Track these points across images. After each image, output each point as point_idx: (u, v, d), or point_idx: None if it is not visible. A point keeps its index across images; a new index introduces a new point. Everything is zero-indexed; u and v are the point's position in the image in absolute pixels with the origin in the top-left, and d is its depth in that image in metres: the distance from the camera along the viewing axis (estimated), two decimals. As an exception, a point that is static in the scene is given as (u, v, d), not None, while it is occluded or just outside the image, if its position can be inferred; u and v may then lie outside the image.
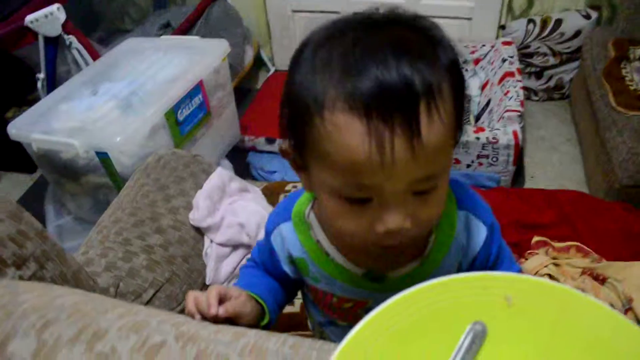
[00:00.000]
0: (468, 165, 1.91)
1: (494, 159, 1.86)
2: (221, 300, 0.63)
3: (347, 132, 0.46)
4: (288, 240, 0.70)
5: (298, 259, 0.70)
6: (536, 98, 2.35)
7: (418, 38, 0.50)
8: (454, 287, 0.46)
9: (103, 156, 1.39)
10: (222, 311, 0.62)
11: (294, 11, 2.59)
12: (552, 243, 1.24)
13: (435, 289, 0.45)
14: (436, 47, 0.50)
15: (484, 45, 2.30)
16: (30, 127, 1.44)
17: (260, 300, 0.70)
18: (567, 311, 0.44)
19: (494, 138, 1.81)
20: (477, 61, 2.33)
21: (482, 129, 1.84)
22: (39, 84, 1.92)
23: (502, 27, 2.26)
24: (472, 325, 0.43)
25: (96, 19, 2.73)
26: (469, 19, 2.34)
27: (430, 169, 0.49)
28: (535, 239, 1.26)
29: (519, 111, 1.85)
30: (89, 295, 0.58)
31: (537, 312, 0.44)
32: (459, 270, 0.68)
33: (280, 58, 2.76)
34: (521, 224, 1.34)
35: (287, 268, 0.73)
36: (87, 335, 0.48)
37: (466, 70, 2.36)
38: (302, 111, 0.50)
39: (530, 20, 2.15)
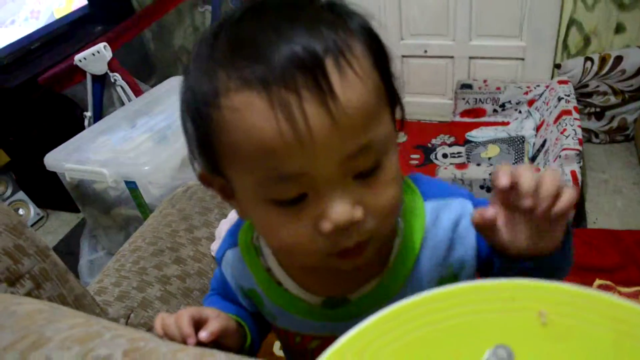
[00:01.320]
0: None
1: (551, 202, 1.70)
2: (197, 324, 0.53)
3: (247, 112, 0.39)
4: (237, 270, 0.60)
5: (250, 291, 0.60)
6: (597, 140, 2.19)
7: (317, 8, 0.43)
8: (468, 299, 0.35)
9: (132, 186, 1.36)
10: (205, 336, 0.52)
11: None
12: (618, 288, 1.08)
13: (441, 301, 0.34)
14: (341, 14, 0.43)
15: (538, 86, 2.18)
16: (65, 158, 1.44)
17: (238, 320, 0.60)
18: (627, 335, 0.32)
19: (549, 179, 1.66)
20: (531, 102, 2.21)
21: (537, 169, 1.70)
22: (86, 122, 1.95)
23: (558, 66, 2.15)
24: (494, 350, 0.32)
25: (150, 66, 2.82)
26: (522, 59, 2.24)
27: (361, 138, 0.41)
28: (598, 282, 1.11)
29: (577, 150, 1.71)
30: (53, 306, 0.51)
31: (582, 333, 0.33)
32: (455, 279, 0.54)
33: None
34: (581, 267, 1.19)
35: (243, 301, 0.62)
36: (24, 344, 0.40)
37: (519, 111, 2.25)
38: (198, 112, 0.43)
39: (588, 59, 2.03)
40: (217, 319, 0.54)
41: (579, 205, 1.80)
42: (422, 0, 2.26)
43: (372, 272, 0.53)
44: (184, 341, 0.51)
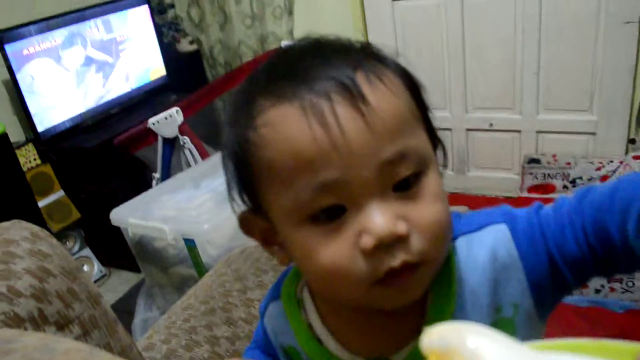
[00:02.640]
0: (597, 291, 1.63)
1: (629, 284, 1.57)
2: None
3: (281, 124, 0.40)
4: (278, 325, 0.57)
5: (290, 349, 0.56)
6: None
7: (347, 45, 0.46)
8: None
9: (190, 244, 1.37)
10: None
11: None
12: None
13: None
14: (372, 51, 0.45)
15: (611, 161, 2.08)
16: (129, 214, 1.48)
17: None
18: None
19: (627, 259, 1.54)
20: (604, 178, 2.10)
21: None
22: (154, 182, 2.02)
23: (632, 141, 2.05)
24: None
25: (219, 132, 2.91)
26: (593, 133, 2.16)
27: (397, 143, 0.40)
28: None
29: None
30: (92, 348, 0.49)
31: None
32: (510, 324, 0.47)
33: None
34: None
35: (283, 359, 0.59)
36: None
37: (592, 188, 2.13)
38: (237, 141, 0.44)
39: (666, 133, 1.93)
40: None
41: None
42: (488, 74, 2.26)
43: (412, 329, 0.48)
44: None
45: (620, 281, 1.59)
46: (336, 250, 0.41)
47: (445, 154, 0.49)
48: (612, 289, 1.60)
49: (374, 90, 0.40)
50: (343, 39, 0.46)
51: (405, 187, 0.41)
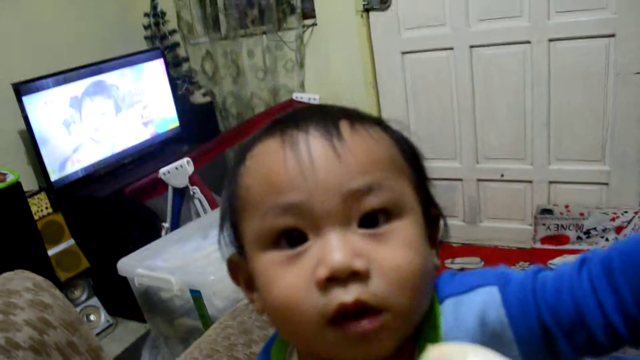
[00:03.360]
0: (616, 347, 1.57)
1: (650, 340, 1.51)
2: None
3: (262, 154, 0.44)
4: None
5: None
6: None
7: (351, 108, 0.48)
8: None
9: (196, 295, 1.35)
10: None
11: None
12: None
13: None
14: (369, 115, 0.48)
15: (626, 212, 2.05)
16: (136, 264, 1.48)
17: None
18: None
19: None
20: (619, 229, 2.06)
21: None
22: (163, 232, 2.02)
23: (647, 191, 2.02)
24: None
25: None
26: (606, 184, 2.14)
27: (366, 176, 0.41)
28: None
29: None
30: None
31: None
32: None
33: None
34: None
35: None
36: None
37: (607, 239, 2.09)
38: (230, 176, 0.47)
39: (682, 184, 1.90)
40: None
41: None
42: (498, 124, 2.27)
43: None
44: None
45: (641, 337, 1.53)
46: (292, 281, 0.40)
47: (445, 224, 0.49)
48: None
49: (353, 133, 0.43)
50: (352, 108, 0.48)
51: (372, 224, 0.41)
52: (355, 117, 0.45)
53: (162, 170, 1.93)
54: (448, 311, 0.45)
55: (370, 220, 0.41)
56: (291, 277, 0.40)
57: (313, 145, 0.41)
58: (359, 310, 0.39)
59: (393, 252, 0.40)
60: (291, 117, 0.45)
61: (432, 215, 0.48)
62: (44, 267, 2.01)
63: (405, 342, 0.43)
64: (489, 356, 0.29)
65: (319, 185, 0.40)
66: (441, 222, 0.50)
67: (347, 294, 0.38)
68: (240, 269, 0.48)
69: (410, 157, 0.46)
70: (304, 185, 0.40)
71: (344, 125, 0.43)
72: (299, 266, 0.40)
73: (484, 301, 0.44)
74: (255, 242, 0.43)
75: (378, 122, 0.46)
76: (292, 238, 0.41)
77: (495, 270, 0.46)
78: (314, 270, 0.39)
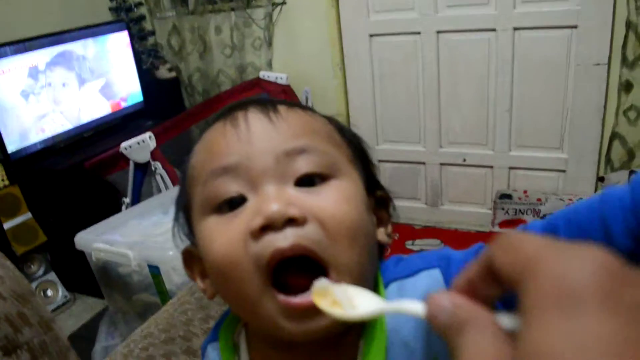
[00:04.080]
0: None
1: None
2: None
3: (209, 135, 0.47)
4: None
5: None
6: (647, 260, 2.06)
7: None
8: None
9: (155, 271, 1.34)
10: None
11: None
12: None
13: None
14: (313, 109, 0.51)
15: (581, 199, 2.11)
16: (94, 238, 1.45)
17: None
18: None
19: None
20: (573, 215, 2.13)
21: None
22: (123, 207, 1.99)
23: (601, 179, 2.09)
24: None
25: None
26: (563, 171, 2.20)
27: (299, 140, 0.43)
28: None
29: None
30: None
31: None
32: None
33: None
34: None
35: None
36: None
37: (562, 224, 2.16)
38: (183, 170, 0.49)
39: (632, 172, 1.97)
40: None
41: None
42: (462, 110, 2.30)
43: None
44: None
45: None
46: (229, 235, 0.40)
47: (393, 206, 0.50)
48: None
49: (289, 110, 0.46)
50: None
51: (308, 183, 0.42)
52: (298, 105, 0.48)
53: (124, 144, 1.89)
54: (392, 295, 0.45)
55: (307, 181, 0.42)
56: (228, 232, 0.41)
57: (250, 116, 0.45)
58: (299, 256, 0.39)
59: (328, 202, 0.41)
60: (237, 104, 0.48)
61: (378, 197, 0.49)
62: (-1, 241, 1.96)
63: (349, 328, 0.44)
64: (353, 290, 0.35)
65: (254, 147, 0.42)
66: (390, 204, 0.51)
67: (284, 240, 0.38)
68: (194, 259, 0.48)
69: (350, 140, 0.49)
70: (240, 149, 0.43)
71: (282, 106, 0.46)
72: (236, 222, 0.41)
73: (427, 284, 0.44)
74: (199, 210, 0.44)
75: (323, 116, 0.49)
76: (233, 203, 0.42)
77: (437, 253, 0.46)
78: (250, 223, 0.39)
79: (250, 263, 0.39)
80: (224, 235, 0.41)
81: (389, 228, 0.50)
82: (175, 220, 0.50)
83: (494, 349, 0.25)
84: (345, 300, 0.34)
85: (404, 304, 0.31)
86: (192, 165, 0.47)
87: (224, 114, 0.47)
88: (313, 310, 0.37)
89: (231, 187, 0.42)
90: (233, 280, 0.41)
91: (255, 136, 0.43)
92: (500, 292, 0.27)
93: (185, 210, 0.48)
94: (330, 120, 0.50)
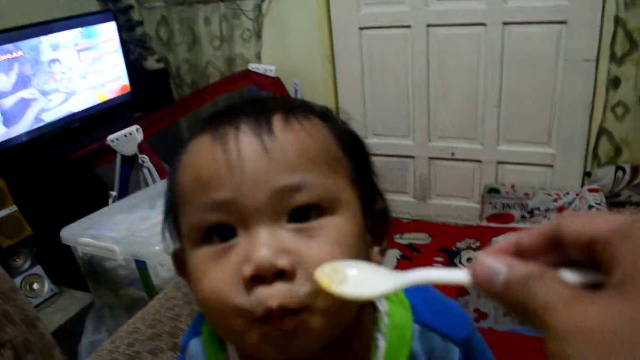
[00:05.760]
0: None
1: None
2: None
3: (195, 150, 0.44)
4: None
5: None
6: (632, 255, 2.09)
7: (293, 99, 0.46)
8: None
9: (141, 266, 1.33)
10: None
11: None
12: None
13: None
14: (305, 104, 0.48)
15: (568, 193, 2.14)
16: (80, 233, 1.44)
17: None
18: None
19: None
20: (560, 209, 2.15)
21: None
22: (110, 200, 1.97)
23: (588, 174, 2.11)
24: None
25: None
26: (551, 166, 2.21)
27: (295, 175, 0.40)
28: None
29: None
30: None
31: None
32: None
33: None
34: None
35: None
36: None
37: (548, 219, 2.18)
38: (170, 173, 0.47)
39: (619, 168, 1.99)
40: None
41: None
42: (451, 104, 2.30)
43: None
44: None
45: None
46: (219, 276, 0.40)
47: (388, 217, 0.49)
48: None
49: (285, 127, 0.42)
50: (297, 99, 0.47)
51: (303, 218, 0.40)
52: (292, 110, 0.44)
53: (111, 137, 1.87)
54: (416, 337, 0.49)
55: (301, 214, 0.40)
56: (218, 272, 0.40)
57: (242, 141, 0.41)
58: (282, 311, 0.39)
59: (320, 249, 0.39)
60: (226, 111, 0.45)
61: (376, 210, 0.48)
62: (-17, 234, 1.94)
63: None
64: (368, 267, 0.33)
65: (246, 182, 0.40)
66: (388, 214, 0.50)
67: (272, 299, 0.38)
68: (184, 263, 0.47)
69: (350, 150, 0.46)
70: (231, 182, 0.40)
71: (276, 120, 0.42)
72: (226, 262, 0.40)
73: (442, 350, 0.49)
74: (188, 237, 0.43)
75: (320, 114, 0.46)
76: (222, 232, 0.41)
77: (465, 326, 0.51)
78: (240, 267, 0.39)
79: (238, 311, 0.39)
80: (213, 274, 0.40)
81: (384, 243, 0.49)
82: (165, 222, 0.49)
83: (570, 292, 0.25)
84: (357, 278, 0.33)
85: (442, 273, 0.30)
86: (179, 183, 0.44)
87: (212, 124, 0.44)
88: (293, 334, 0.39)
89: (221, 219, 0.41)
90: (219, 317, 0.41)
91: (247, 168, 0.40)
92: (558, 259, 0.28)
93: (174, 219, 0.47)
94: (328, 121, 0.46)
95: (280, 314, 0.38)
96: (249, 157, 0.40)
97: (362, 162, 0.47)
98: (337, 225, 0.41)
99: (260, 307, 0.38)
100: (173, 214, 0.47)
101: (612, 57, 1.92)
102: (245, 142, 0.41)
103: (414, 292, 0.50)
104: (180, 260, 0.48)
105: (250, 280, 0.38)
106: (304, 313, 0.39)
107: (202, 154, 0.42)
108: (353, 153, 0.46)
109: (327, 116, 0.47)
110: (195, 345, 0.54)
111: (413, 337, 0.48)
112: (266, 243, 0.38)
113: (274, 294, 0.38)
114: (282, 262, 0.38)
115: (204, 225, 0.41)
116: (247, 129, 0.41)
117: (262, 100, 0.47)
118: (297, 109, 0.45)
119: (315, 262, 0.37)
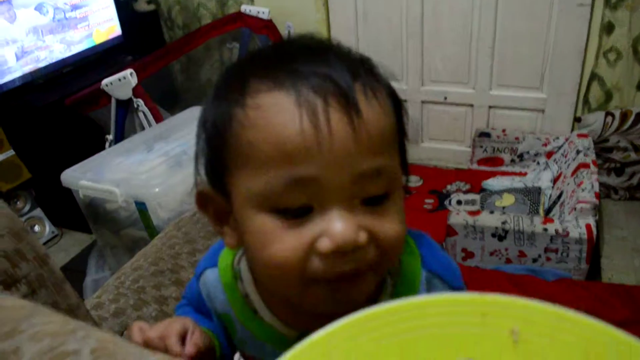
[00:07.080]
0: (534, 260, 1.72)
1: (564, 254, 1.67)
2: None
3: (272, 110, 0.41)
4: (212, 291, 0.58)
5: (223, 315, 0.58)
6: (617, 196, 2.15)
7: (349, 53, 0.47)
8: (439, 311, 0.33)
9: (141, 207, 1.37)
10: (191, 349, 0.52)
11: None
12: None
13: (408, 312, 0.32)
14: (370, 65, 0.47)
15: (557, 138, 2.18)
16: (80, 176, 1.47)
17: (210, 334, 0.59)
18: (597, 357, 0.31)
19: (564, 230, 1.64)
20: (549, 154, 2.20)
21: (551, 220, 1.68)
22: (107, 145, 1.99)
23: (578, 119, 2.14)
24: None
25: (176, 96, 2.88)
26: (542, 111, 2.24)
27: (377, 159, 0.42)
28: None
29: (593, 203, 1.68)
30: (36, 305, 0.51)
31: (554, 354, 0.31)
32: None
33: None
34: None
35: (215, 323, 0.61)
36: (-4, 332, 0.41)
37: (537, 163, 2.23)
38: (220, 113, 0.44)
39: (609, 113, 2.02)
40: (199, 333, 0.54)
41: (594, 260, 1.75)
42: (444, 49, 2.30)
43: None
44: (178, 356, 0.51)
45: (556, 251, 1.68)
46: (292, 246, 0.42)
47: (407, 179, 0.51)
48: (548, 259, 1.70)
49: (368, 104, 0.42)
50: (342, 46, 0.47)
51: (374, 202, 0.43)
52: (362, 74, 0.43)
53: (105, 81, 1.87)
54: (423, 283, 0.53)
55: (373, 199, 0.43)
56: (291, 243, 0.42)
57: (333, 117, 0.40)
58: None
59: (389, 226, 0.44)
60: (296, 64, 0.42)
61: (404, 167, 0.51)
62: (-18, 178, 1.96)
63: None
64: None
65: (334, 162, 0.40)
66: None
67: (347, 264, 0.42)
68: (212, 202, 0.48)
69: (399, 118, 0.48)
70: (319, 160, 0.40)
71: (359, 92, 0.42)
72: (299, 232, 0.42)
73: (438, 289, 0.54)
74: (253, 201, 0.43)
75: (378, 77, 0.46)
76: (298, 211, 0.42)
77: (461, 278, 0.56)
78: (315, 239, 0.41)
79: (309, 275, 0.42)
80: (285, 244, 0.42)
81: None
82: (196, 162, 0.49)
83: None
84: None
85: None
86: (249, 142, 0.41)
87: (289, 79, 0.41)
88: (356, 290, 0.44)
89: (300, 198, 0.41)
90: (284, 279, 0.44)
91: (337, 145, 0.40)
92: None
93: (219, 169, 0.46)
94: (388, 88, 0.47)
95: (350, 276, 0.42)
96: (339, 136, 0.40)
97: (403, 128, 0.49)
98: (396, 204, 0.45)
99: (334, 272, 0.42)
100: (217, 163, 0.46)
101: (607, 2, 1.91)
102: (335, 121, 0.40)
103: (423, 243, 0.55)
104: (205, 198, 0.49)
105: (329, 254, 0.41)
106: (369, 273, 0.44)
107: (285, 119, 0.40)
108: (400, 122, 0.48)
109: (387, 84, 0.47)
110: (211, 274, 0.58)
111: (420, 282, 0.53)
112: (346, 222, 0.41)
113: (348, 262, 0.42)
114: (362, 239, 0.41)
115: (283, 203, 0.41)
116: (335, 102, 0.40)
117: (322, 48, 0.45)
118: (366, 75, 0.44)
119: (384, 236, 0.43)
